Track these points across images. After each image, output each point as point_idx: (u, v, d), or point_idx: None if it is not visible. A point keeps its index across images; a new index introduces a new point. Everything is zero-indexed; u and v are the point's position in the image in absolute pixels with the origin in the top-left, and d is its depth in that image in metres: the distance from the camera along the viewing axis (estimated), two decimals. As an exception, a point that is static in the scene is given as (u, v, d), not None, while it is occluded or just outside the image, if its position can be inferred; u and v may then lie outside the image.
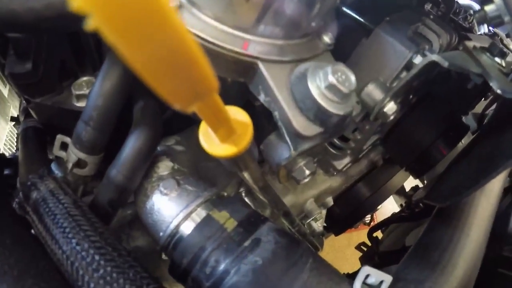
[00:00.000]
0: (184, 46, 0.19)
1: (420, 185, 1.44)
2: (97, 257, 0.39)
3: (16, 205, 0.53)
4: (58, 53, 0.59)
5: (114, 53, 0.51)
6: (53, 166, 0.65)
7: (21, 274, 0.41)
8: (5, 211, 0.49)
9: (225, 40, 0.40)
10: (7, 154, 0.87)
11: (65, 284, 0.41)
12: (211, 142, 0.37)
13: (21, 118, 0.80)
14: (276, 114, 0.41)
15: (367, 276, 0.48)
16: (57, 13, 0.46)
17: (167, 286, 0.63)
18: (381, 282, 0.48)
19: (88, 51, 0.62)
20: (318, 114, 0.40)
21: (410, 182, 1.30)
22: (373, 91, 0.55)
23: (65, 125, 0.62)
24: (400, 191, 1.54)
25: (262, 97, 0.42)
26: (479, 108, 1.06)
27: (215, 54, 0.41)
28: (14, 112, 1.13)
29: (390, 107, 0.55)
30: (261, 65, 0.41)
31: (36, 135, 0.72)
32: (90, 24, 0.16)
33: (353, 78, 0.40)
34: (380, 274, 0.48)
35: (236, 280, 0.41)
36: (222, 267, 0.42)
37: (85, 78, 0.60)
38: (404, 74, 0.59)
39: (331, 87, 0.39)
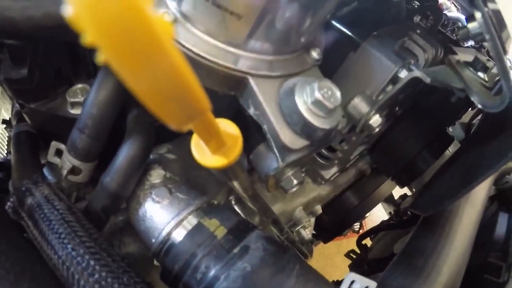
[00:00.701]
0: (180, 74, 0.21)
1: (409, 193, 1.47)
2: (92, 262, 0.41)
3: (10, 209, 0.54)
4: (54, 60, 0.61)
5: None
6: (45, 171, 0.67)
7: (17, 278, 0.43)
8: (-1, 217, 0.51)
9: (217, 55, 0.43)
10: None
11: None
12: (203, 153, 0.40)
13: (14, 122, 0.81)
14: (264, 127, 0.44)
15: (352, 282, 0.50)
16: (56, 22, 0.48)
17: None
18: None
19: (83, 59, 0.64)
20: (304, 128, 0.42)
21: (399, 191, 1.33)
22: (359, 104, 0.58)
23: (59, 131, 0.63)
24: (389, 199, 1.57)
25: (251, 111, 0.45)
26: (466, 117, 1.10)
27: (207, 68, 0.43)
28: (6, 115, 1.14)
29: (376, 120, 0.58)
30: (251, 80, 0.43)
31: (29, 139, 0.73)
32: (100, 57, 0.18)
33: (338, 94, 0.43)
34: (365, 280, 0.51)
35: (226, 286, 0.43)
36: (212, 273, 0.44)
37: (79, 86, 0.62)
38: (389, 87, 0.62)
39: (317, 103, 0.41)
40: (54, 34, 0.52)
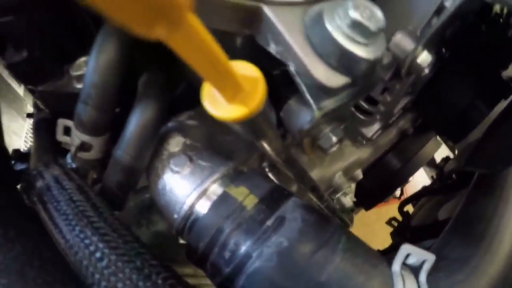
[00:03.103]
0: None
1: (451, 155, 1.34)
2: (101, 245, 0.33)
3: (25, 196, 0.48)
4: (54, 35, 0.54)
5: (109, 26, 0.46)
6: (68, 156, 0.61)
7: (24, 267, 0.36)
8: (9, 203, 0.44)
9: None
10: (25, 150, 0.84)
11: (71, 275, 0.36)
12: (217, 104, 0.30)
13: (34, 112, 0.77)
14: (291, 65, 0.34)
15: (407, 255, 0.41)
16: None
17: (191, 270, 0.58)
18: (423, 262, 0.41)
19: (86, 31, 0.56)
20: (342, 60, 0.31)
21: (440, 153, 1.21)
22: (403, 41, 0.46)
23: (72, 110, 0.57)
24: (431, 163, 1.44)
25: (273, 48, 0.34)
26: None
27: (212, 3, 0.33)
28: (31, 109, 1.12)
29: (424, 57, 0.46)
30: (266, 9, 0.33)
31: (48, 126, 0.68)
32: None
33: (379, 13, 0.32)
34: (422, 253, 0.41)
35: (259, 265, 0.34)
36: (242, 250, 0.35)
37: (83, 58, 0.54)
38: (435, 20, 0.50)
39: (354, 25, 0.30)
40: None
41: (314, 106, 0.35)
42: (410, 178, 1.06)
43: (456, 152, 1.24)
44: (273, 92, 0.47)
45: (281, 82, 0.49)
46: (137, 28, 0.15)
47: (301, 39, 0.32)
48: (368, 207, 1.03)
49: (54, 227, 0.38)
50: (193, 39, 0.20)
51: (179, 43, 0.19)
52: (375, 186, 0.90)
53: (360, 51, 0.31)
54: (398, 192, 1.69)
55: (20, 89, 0.93)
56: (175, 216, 0.42)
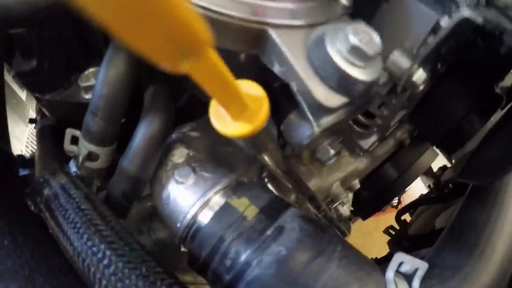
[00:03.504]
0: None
1: (448, 164, 1.36)
2: (108, 252, 0.35)
3: (31, 203, 0.50)
4: (63, 47, 0.55)
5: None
6: (71, 164, 0.62)
7: (32, 273, 0.38)
8: (16, 210, 0.46)
9: (229, 7, 0.35)
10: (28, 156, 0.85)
11: (78, 281, 0.38)
12: (223, 121, 0.32)
13: (38, 118, 0.78)
14: (293, 85, 0.36)
15: (401, 263, 0.43)
16: (52, 1, 0.42)
17: (191, 278, 0.60)
18: (416, 269, 0.43)
19: (95, 42, 0.58)
20: (341, 81, 0.34)
21: (437, 162, 1.23)
22: (399, 59, 0.48)
23: (78, 119, 0.58)
24: (428, 172, 1.46)
25: (276, 68, 0.37)
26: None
27: (220, 24, 0.36)
28: (34, 114, 1.13)
29: (420, 76, 0.48)
30: (271, 32, 0.35)
31: (52, 133, 0.69)
32: None
33: (377, 39, 0.34)
34: (415, 261, 0.43)
35: (259, 273, 0.36)
36: (243, 258, 0.37)
37: (91, 69, 0.56)
38: (431, 39, 0.52)
39: (353, 50, 0.33)
40: (52, 14, 0.46)
41: (314, 123, 0.37)
42: (408, 187, 1.08)
43: (453, 161, 1.25)
44: (274, 104, 0.49)
45: (281, 94, 0.51)
46: (165, 63, 0.17)
47: (303, 60, 0.35)
48: (365, 217, 1.04)
49: (62, 235, 0.40)
50: (210, 69, 0.22)
51: (198, 72, 0.21)
52: (373, 195, 0.92)
53: (358, 74, 0.33)
54: (396, 201, 1.71)
55: (22, 94, 0.95)
56: (178, 225, 0.44)
